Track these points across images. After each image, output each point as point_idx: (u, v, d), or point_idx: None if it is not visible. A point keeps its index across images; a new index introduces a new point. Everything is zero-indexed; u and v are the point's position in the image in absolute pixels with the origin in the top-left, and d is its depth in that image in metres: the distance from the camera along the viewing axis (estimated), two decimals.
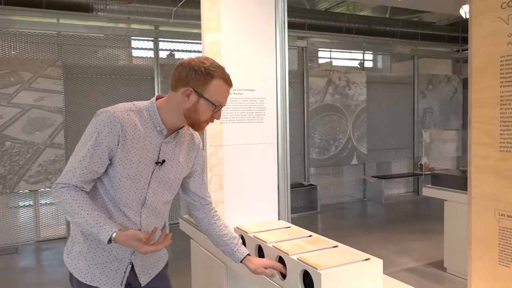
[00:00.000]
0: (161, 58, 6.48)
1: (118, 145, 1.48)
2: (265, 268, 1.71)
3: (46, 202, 5.93)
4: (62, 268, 4.71)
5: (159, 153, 1.57)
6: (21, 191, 5.65)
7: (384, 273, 1.68)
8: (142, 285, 1.65)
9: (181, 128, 1.62)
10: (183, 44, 6.77)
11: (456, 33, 8.39)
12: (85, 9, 5.74)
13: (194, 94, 1.51)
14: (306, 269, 1.58)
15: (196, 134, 1.72)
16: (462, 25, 8.35)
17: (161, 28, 6.38)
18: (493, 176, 1.42)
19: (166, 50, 6.69)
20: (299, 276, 1.62)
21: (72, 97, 5.84)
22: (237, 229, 2.12)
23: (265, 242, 1.87)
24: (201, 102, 1.51)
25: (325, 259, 1.62)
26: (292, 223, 2.44)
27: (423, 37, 8.09)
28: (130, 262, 1.59)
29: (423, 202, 8.04)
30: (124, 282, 1.58)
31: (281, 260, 1.75)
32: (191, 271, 2.91)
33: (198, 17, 6.67)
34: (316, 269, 1.53)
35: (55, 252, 5.33)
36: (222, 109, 1.60)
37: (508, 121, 1.37)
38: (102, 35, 6.11)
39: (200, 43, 6.69)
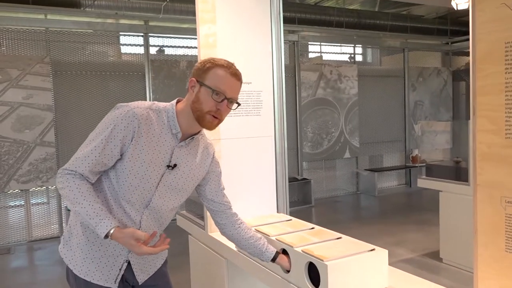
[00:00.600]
0: (152, 54, 6.41)
1: (131, 141, 1.46)
2: None
3: (37, 202, 5.85)
4: (55, 267, 4.68)
5: (171, 157, 1.55)
6: (11, 191, 5.56)
7: None
8: (140, 283, 1.62)
9: (196, 134, 1.60)
10: (173, 39, 6.70)
11: (445, 26, 8.45)
12: (73, 5, 5.65)
13: (197, 84, 1.50)
14: (312, 261, 1.56)
15: (210, 144, 1.71)
16: (450, 18, 8.41)
17: (150, 23, 6.31)
18: (498, 164, 1.41)
19: (156, 46, 6.62)
20: (304, 268, 1.60)
21: (61, 94, 5.75)
22: None
23: (268, 236, 1.85)
24: (202, 89, 1.49)
25: (330, 251, 1.60)
26: None
27: (412, 30, 8.13)
28: (127, 260, 1.56)
29: (415, 194, 8.11)
30: (119, 279, 1.56)
31: (285, 252, 1.73)
32: (190, 267, 2.88)
33: (188, 12, 6.61)
34: (322, 260, 1.51)
35: (47, 252, 5.26)
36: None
37: None
38: (91, 30, 6.02)
39: (190, 38, 6.68)
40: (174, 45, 6.74)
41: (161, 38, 6.61)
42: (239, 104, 1.56)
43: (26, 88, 5.43)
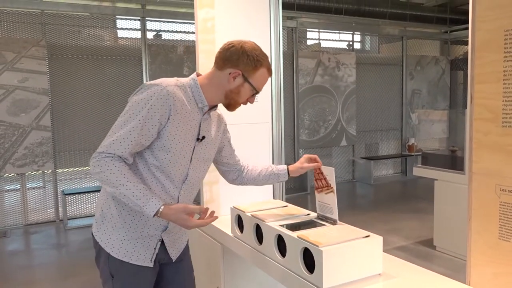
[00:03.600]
0: (149, 38, 6.35)
1: (168, 119, 1.49)
2: (306, 162, 1.87)
3: (33, 186, 5.84)
4: (51, 251, 4.70)
5: (199, 130, 1.62)
6: (7, 175, 5.54)
7: None
8: (174, 260, 1.70)
9: (216, 106, 1.69)
10: (171, 24, 6.63)
11: (444, 14, 8.40)
12: None
13: (241, 77, 1.57)
14: (307, 246, 1.57)
15: (219, 109, 1.77)
16: (450, 7, 8.35)
17: (148, 7, 6.24)
18: (494, 152, 1.42)
19: (153, 30, 6.55)
20: (300, 254, 1.61)
21: (57, 78, 5.70)
22: (233, 209, 2.10)
23: (264, 221, 1.86)
24: (246, 86, 1.58)
25: (325, 237, 1.61)
26: None
27: (411, 18, 8.07)
28: (160, 239, 1.62)
29: (411, 183, 8.16)
30: (154, 258, 1.61)
31: (280, 238, 1.74)
32: None
33: None
34: (317, 246, 1.52)
35: (43, 236, 5.28)
36: None
37: (511, 96, 1.36)
38: (87, 13, 5.94)
39: (188, 23, 6.60)
40: (171, 30, 6.68)
41: (158, 23, 6.54)
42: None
43: (22, 71, 5.38)
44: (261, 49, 1.62)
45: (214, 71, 1.61)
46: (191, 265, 1.85)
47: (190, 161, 1.61)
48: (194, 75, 1.64)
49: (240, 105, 1.66)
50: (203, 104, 1.60)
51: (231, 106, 1.64)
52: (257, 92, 1.64)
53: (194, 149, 1.62)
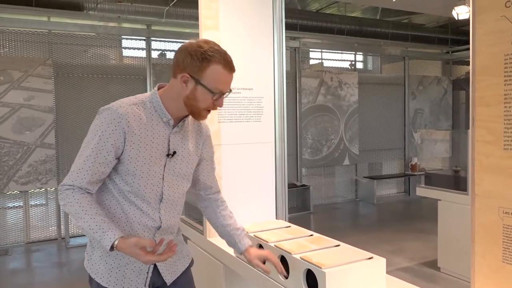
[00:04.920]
0: (153, 58, 6.44)
1: (125, 142, 1.42)
2: (262, 260, 1.65)
3: (36, 203, 5.85)
4: (53, 269, 4.67)
5: (168, 145, 1.51)
6: (10, 192, 5.56)
7: None
8: (168, 284, 1.60)
9: (187, 116, 1.54)
10: (175, 44, 6.73)
11: (445, 35, 8.49)
12: (76, 8, 5.67)
13: (192, 81, 1.42)
14: (310, 268, 1.57)
15: (205, 124, 1.68)
16: (451, 27, 8.45)
17: (153, 28, 6.34)
18: (496, 174, 1.42)
19: (158, 50, 6.65)
20: (303, 275, 1.60)
21: (63, 96, 5.77)
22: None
23: (267, 242, 1.85)
24: (199, 89, 1.42)
25: (328, 258, 1.61)
26: None
27: (413, 38, 8.16)
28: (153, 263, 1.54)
29: (414, 202, 8.11)
30: (148, 282, 1.54)
31: (283, 259, 1.73)
32: None
33: (190, 17, 6.64)
34: (320, 268, 1.51)
35: (45, 254, 5.25)
36: (223, 106, 1.52)
37: None
38: (93, 34, 6.05)
39: None
40: (175, 49, 6.76)
41: (163, 42, 6.64)
42: (231, 91, 1.50)
43: (28, 89, 5.45)
44: (213, 45, 1.43)
45: (171, 80, 1.48)
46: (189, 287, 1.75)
47: (163, 179, 1.51)
48: (155, 88, 1.53)
49: (206, 111, 1.48)
50: (166, 117, 1.48)
51: (195, 114, 1.48)
52: (219, 94, 1.44)
53: (165, 166, 1.51)
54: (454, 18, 5.66)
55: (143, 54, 6.39)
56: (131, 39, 6.41)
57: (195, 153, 1.62)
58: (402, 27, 8.10)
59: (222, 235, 1.74)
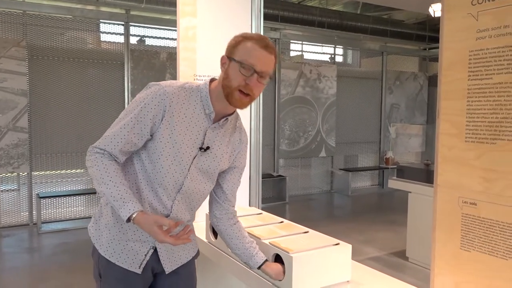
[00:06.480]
0: (132, 43, 6.35)
1: (162, 120, 1.41)
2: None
3: (7, 188, 5.73)
4: (23, 255, 4.61)
5: (204, 138, 1.48)
6: None
7: None
8: (167, 272, 1.57)
9: (230, 115, 1.52)
10: (154, 30, 6.65)
11: (423, 32, 8.65)
12: None
13: (227, 61, 1.42)
14: (278, 252, 1.61)
15: (245, 131, 1.64)
16: (429, 24, 8.61)
17: (132, 13, 6.24)
18: (457, 165, 1.49)
19: (137, 35, 6.56)
20: (271, 259, 1.64)
21: (37, 80, 5.64)
22: (207, 215, 2.12)
23: None
24: (232, 65, 1.40)
25: (296, 244, 1.65)
26: None
27: (392, 34, 8.29)
28: (153, 246, 1.52)
29: (387, 195, 8.30)
30: (143, 265, 1.52)
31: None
32: None
33: (170, 3, 6.57)
34: (288, 253, 1.56)
35: (16, 239, 5.17)
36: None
37: (474, 113, 1.44)
38: (70, 16, 5.91)
39: (172, 30, 6.63)
40: (154, 36, 6.69)
41: (142, 28, 6.55)
42: (271, 78, 1.45)
43: (0, 71, 5.30)
44: (254, 33, 1.47)
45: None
46: (191, 282, 1.69)
47: (188, 170, 1.48)
48: (208, 79, 1.51)
49: (239, 93, 1.39)
50: (209, 110, 1.46)
51: (228, 96, 1.41)
52: (250, 69, 1.37)
53: (195, 157, 1.49)
54: (432, 16, 5.77)
55: (121, 39, 6.29)
56: (109, 23, 6.30)
57: (229, 157, 1.59)
58: (382, 22, 8.21)
59: (235, 248, 1.64)
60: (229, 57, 1.42)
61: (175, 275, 1.60)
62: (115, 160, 1.44)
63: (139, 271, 1.51)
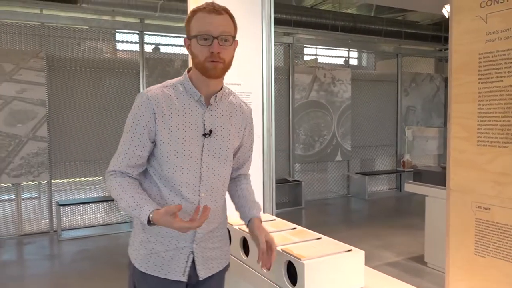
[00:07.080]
0: (147, 52, 6.44)
1: (156, 123, 1.44)
2: (255, 239, 1.57)
3: (28, 196, 5.86)
4: (44, 262, 4.71)
5: (204, 124, 1.49)
6: (2, 185, 5.56)
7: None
8: (200, 279, 1.55)
9: (219, 91, 1.51)
10: (168, 38, 6.74)
11: (439, 33, 8.54)
12: (69, 0, 5.66)
13: (188, 41, 1.46)
14: (290, 260, 1.61)
15: (244, 103, 1.64)
16: (444, 25, 8.49)
17: (146, 21, 6.34)
18: (470, 169, 1.47)
19: (151, 44, 6.65)
20: (284, 266, 1.65)
21: (55, 90, 5.77)
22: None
23: None
24: (192, 42, 1.43)
25: (308, 250, 1.65)
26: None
27: (407, 35, 8.20)
28: (192, 252, 1.51)
29: (405, 199, 8.18)
30: (187, 272, 1.51)
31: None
32: None
33: (183, 11, 6.64)
34: (300, 259, 1.56)
35: (37, 246, 5.28)
36: None
37: (485, 116, 1.42)
38: (87, 27, 6.04)
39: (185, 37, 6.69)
40: (169, 44, 6.78)
41: (156, 36, 6.64)
42: (234, 37, 1.45)
43: (20, 82, 5.44)
44: (201, 4, 1.45)
45: None
46: None
47: (201, 160, 1.49)
48: (185, 71, 1.55)
49: (209, 62, 1.40)
50: (197, 95, 1.48)
51: (203, 71, 1.43)
52: (206, 35, 1.39)
53: (203, 146, 1.49)
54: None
55: (136, 48, 6.38)
56: (125, 32, 6.41)
57: (237, 134, 1.59)
58: (396, 24, 8.14)
59: (237, 205, 1.69)
60: (188, 37, 1.45)
61: (204, 282, 1.58)
62: (128, 176, 1.49)
63: (184, 279, 1.50)
